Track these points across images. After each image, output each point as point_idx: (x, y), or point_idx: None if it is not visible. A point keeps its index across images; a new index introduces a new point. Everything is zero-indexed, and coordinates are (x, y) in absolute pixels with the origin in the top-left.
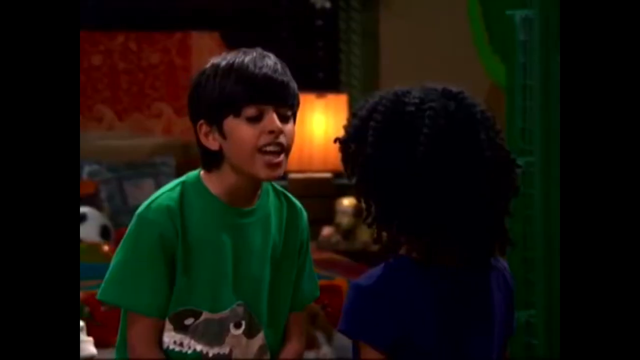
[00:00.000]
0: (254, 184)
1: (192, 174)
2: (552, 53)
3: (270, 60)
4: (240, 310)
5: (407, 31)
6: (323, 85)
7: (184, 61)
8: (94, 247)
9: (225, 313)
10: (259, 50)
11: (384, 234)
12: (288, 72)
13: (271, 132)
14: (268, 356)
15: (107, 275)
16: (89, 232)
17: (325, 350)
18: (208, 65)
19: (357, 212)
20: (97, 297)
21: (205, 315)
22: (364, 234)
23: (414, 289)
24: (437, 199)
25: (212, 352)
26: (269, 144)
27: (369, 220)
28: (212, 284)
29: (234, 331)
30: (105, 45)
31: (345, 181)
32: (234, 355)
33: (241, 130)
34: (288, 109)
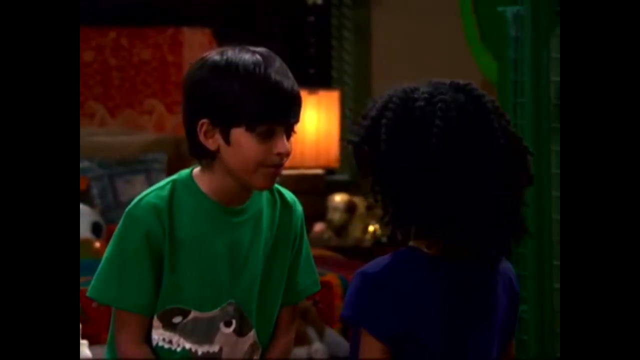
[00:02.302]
0: (247, 186)
1: (184, 172)
2: (542, 49)
3: (287, 74)
4: (230, 309)
5: (399, 28)
6: (315, 81)
7: (175, 57)
8: (86, 244)
9: (214, 312)
10: (272, 55)
11: (399, 232)
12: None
13: (279, 154)
14: (259, 354)
15: (96, 273)
16: (80, 228)
17: (317, 346)
18: (216, 57)
19: (348, 208)
20: (87, 294)
21: (193, 313)
22: (356, 230)
23: (421, 284)
24: (454, 193)
25: (201, 350)
26: (273, 163)
27: (386, 219)
28: (201, 282)
29: (224, 330)
30: (96, 42)
31: (337, 177)
32: (224, 354)
33: (249, 145)
34: (296, 123)
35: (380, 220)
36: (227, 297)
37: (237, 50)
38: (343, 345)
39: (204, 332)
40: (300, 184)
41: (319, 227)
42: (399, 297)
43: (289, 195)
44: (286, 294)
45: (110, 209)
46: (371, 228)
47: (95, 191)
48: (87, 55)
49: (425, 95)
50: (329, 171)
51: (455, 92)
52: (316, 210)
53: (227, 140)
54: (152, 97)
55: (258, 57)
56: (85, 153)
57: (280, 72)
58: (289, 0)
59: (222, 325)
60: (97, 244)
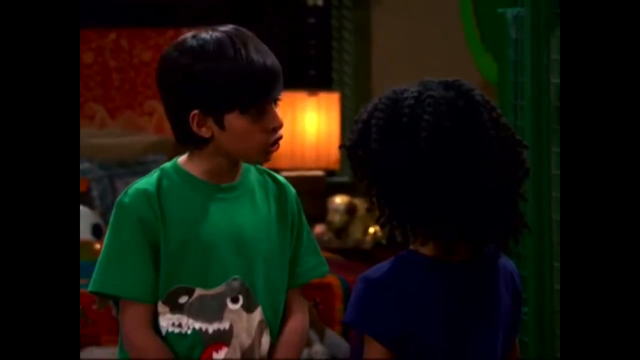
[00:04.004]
0: (236, 163)
1: (169, 162)
2: (543, 51)
3: (265, 49)
4: (236, 284)
5: (399, 29)
6: (315, 83)
7: None
8: (86, 246)
9: (220, 288)
10: (245, 32)
11: (397, 233)
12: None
13: (274, 129)
14: (268, 332)
15: (95, 267)
16: (80, 230)
17: (317, 347)
18: (192, 43)
19: (349, 210)
20: (88, 289)
21: (198, 291)
22: (356, 232)
23: (424, 284)
24: (447, 188)
25: (211, 328)
26: (273, 140)
27: (382, 220)
28: (201, 260)
29: (231, 306)
30: (96, 43)
31: (337, 179)
32: (235, 331)
33: (245, 127)
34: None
35: (376, 222)
36: (231, 272)
37: (214, 34)
38: (343, 346)
39: (211, 310)
40: (300, 186)
41: (319, 228)
42: (403, 297)
43: (279, 176)
44: (292, 275)
45: (111, 211)
46: (371, 230)
47: (95, 193)
48: (87, 57)
49: (414, 94)
50: (330, 173)
51: (444, 88)
52: (316, 211)
53: (222, 126)
54: (152, 98)
55: (233, 39)
56: (86, 154)
57: (260, 49)
58: (289, 2)
59: (229, 301)
60: (98, 246)
